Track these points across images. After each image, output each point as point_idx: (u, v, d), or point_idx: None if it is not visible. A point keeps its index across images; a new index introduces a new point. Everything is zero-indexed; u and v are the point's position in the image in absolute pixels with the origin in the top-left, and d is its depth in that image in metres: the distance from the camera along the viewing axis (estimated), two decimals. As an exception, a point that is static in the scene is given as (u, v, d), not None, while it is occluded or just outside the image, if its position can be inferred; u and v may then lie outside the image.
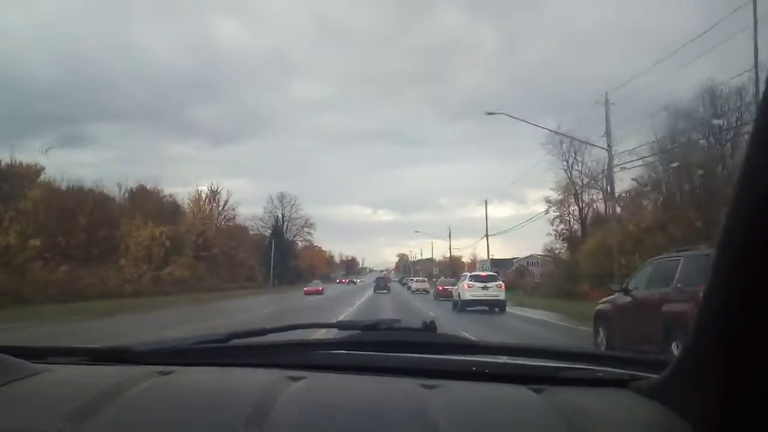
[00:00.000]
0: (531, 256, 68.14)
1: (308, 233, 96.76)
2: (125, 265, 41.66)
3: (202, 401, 0.95)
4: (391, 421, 0.86)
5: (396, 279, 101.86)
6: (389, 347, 1.22)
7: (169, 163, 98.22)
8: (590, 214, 43.87)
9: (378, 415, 0.89)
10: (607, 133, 23.10)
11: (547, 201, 45.98)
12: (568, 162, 44.86)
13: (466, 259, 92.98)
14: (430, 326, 1.30)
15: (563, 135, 34.35)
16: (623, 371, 1.11)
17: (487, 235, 50.04)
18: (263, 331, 1.38)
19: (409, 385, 1.01)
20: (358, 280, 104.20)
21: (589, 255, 31.87)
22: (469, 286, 23.95)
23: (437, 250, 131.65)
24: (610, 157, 23.50)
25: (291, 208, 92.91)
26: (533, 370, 1.15)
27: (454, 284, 31.42)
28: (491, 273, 28.07)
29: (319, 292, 44.91)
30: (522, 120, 26.38)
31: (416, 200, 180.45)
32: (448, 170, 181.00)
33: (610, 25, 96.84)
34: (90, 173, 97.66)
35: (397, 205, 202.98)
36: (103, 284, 35.69)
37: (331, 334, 1.46)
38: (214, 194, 71.93)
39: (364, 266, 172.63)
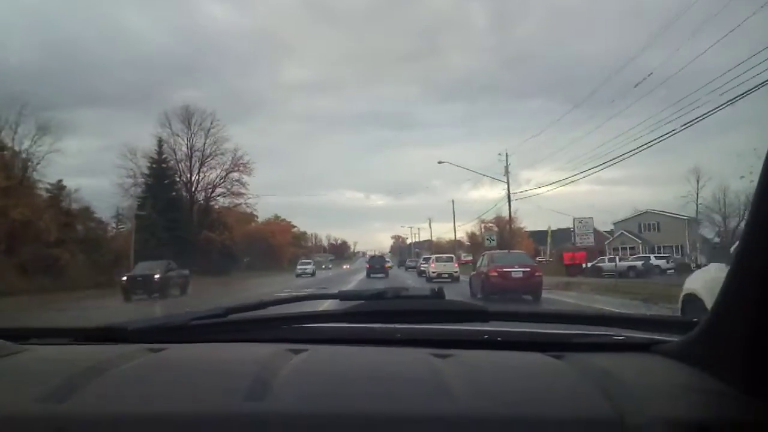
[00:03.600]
0: (645, 213, 48.73)
1: (238, 184, 55.93)
2: None
3: (198, 376, 0.89)
4: (402, 389, 0.82)
5: (389, 262, 69.60)
6: (396, 317, 1.18)
7: (151, 150, 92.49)
8: None
9: (388, 383, 0.84)
10: None
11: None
12: None
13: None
14: (438, 293, 1.26)
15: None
16: (644, 335, 1.09)
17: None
18: (262, 305, 1.33)
19: (419, 355, 0.97)
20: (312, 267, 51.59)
21: None
22: None
23: (435, 232, 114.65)
24: None
25: (206, 136, 53.74)
26: (550, 337, 1.13)
27: (529, 264, 17.47)
28: None
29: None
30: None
31: (409, 183, 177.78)
32: (440, 153, 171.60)
33: (604, 2, 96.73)
34: (72, 162, 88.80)
35: (391, 189, 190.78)
36: None
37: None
38: None
39: (356, 250, 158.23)
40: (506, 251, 22.40)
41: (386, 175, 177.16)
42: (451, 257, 35.47)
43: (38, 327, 1.27)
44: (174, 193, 51.09)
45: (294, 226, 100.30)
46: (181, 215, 49.26)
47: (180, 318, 1.23)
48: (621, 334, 1.12)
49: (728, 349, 0.78)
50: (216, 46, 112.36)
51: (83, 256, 34.44)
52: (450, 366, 0.89)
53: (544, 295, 16.94)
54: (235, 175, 57.13)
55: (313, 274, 47.44)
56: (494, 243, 40.12)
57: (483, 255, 20.05)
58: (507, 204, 40.47)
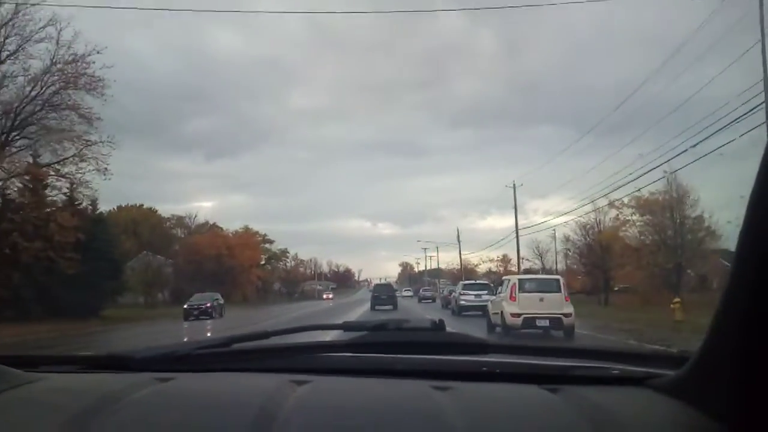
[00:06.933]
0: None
1: (75, 115, 27.00)
2: None
3: (204, 408, 0.92)
4: (402, 424, 0.85)
5: (408, 292, 63.73)
6: (398, 348, 1.21)
7: (161, 178, 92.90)
8: None
9: (388, 418, 0.87)
10: None
11: None
12: None
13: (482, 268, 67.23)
14: (438, 325, 1.28)
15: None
16: (639, 369, 1.10)
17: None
18: (266, 335, 1.36)
19: (419, 387, 1.00)
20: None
21: None
22: None
23: (443, 260, 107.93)
24: None
25: (62, 47, 26.64)
26: (546, 369, 1.15)
27: None
28: None
29: None
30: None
31: (417, 212, 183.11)
32: (448, 181, 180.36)
33: (612, 32, 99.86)
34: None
35: (398, 218, 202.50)
36: None
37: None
38: None
39: (360, 278, 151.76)
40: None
41: (394, 203, 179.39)
42: (557, 280, 17.07)
43: (48, 355, 1.32)
44: None
45: (270, 241, 76.08)
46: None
47: (185, 347, 1.24)
48: (617, 367, 1.13)
49: (717, 386, 0.78)
50: (224, 73, 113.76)
51: None
52: (449, 399, 0.92)
53: None
54: (73, 95, 26.48)
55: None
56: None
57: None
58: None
